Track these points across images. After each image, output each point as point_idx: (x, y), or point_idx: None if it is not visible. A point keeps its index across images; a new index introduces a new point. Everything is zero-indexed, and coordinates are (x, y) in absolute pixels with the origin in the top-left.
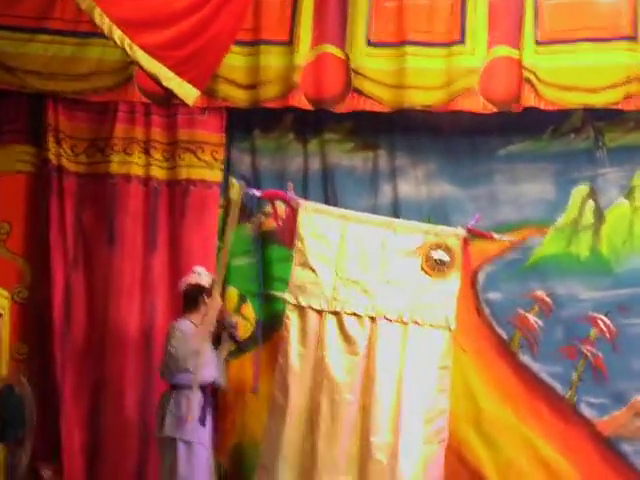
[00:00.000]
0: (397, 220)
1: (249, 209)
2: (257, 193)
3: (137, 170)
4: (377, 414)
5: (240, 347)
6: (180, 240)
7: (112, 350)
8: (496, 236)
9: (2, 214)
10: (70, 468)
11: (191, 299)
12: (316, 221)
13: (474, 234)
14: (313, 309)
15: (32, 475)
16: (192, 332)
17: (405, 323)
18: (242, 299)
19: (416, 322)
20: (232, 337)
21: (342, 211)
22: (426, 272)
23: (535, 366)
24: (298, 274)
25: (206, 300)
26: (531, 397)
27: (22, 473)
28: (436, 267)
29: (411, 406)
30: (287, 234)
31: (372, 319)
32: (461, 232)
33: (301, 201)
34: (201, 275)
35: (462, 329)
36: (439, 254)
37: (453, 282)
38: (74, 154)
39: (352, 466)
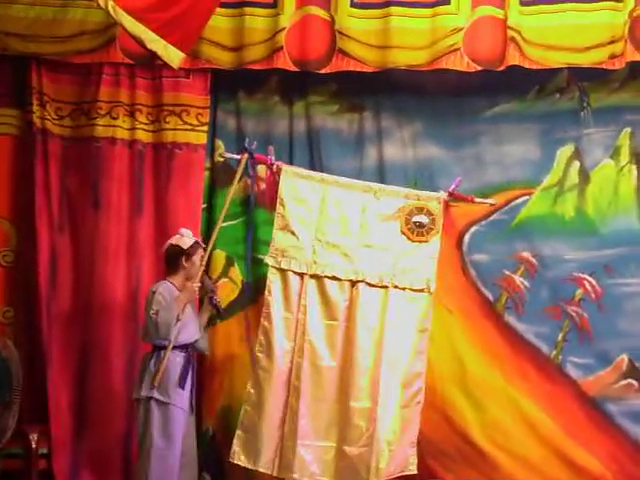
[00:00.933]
0: (377, 184)
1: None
2: (237, 157)
3: (122, 133)
4: (356, 379)
5: (219, 312)
6: (166, 203)
7: (98, 313)
8: (477, 200)
9: None
10: (58, 430)
11: (171, 261)
12: (297, 185)
13: (455, 198)
14: (294, 272)
15: (20, 438)
16: (173, 297)
17: (385, 287)
18: (229, 262)
19: (396, 286)
20: (211, 301)
21: (323, 175)
22: (406, 236)
23: (521, 327)
24: (279, 237)
25: (184, 264)
26: (517, 358)
27: (9, 435)
28: (416, 230)
29: (389, 370)
30: (268, 197)
31: (352, 283)
32: (442, 196)
33: (282, 165)
34: (183, 237)
35: (448, 290)
36: (419, 218)
37: (434, 245)
38: (59, 117)
39: (332, 430)
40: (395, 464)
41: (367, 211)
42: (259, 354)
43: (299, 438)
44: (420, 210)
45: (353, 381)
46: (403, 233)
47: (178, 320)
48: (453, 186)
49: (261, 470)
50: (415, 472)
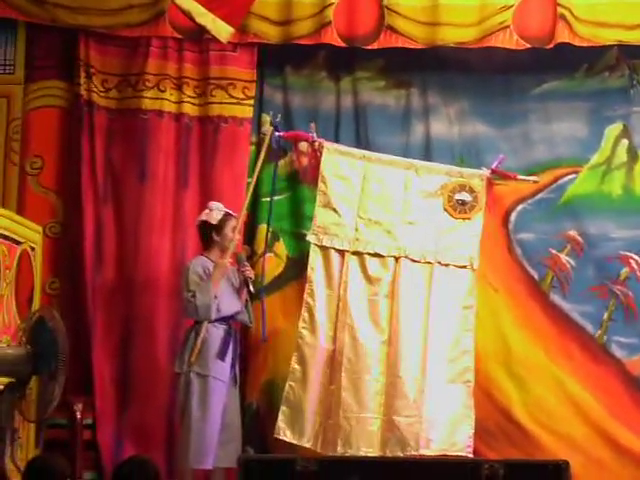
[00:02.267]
0: (419, 161)
1: (281, 147)
2: (279, 133)
3: (169, 106)
4: (403, 352)
5: (248, 286)
6: (211, 177)
7: (143, 286)
8: (520, 177)
9: (35, 149)
10: (102, 401)
11: (204, 236)
12: (339, 162)
13: (498, 175)
14: (336, 249)
15: (65, 408)
16: (208, 274)
17: (429, 263)
18: (274, 237)
19: (439, 262)
20: (242, 273)
21: (364, 152)
22: (449, 213)
23: (566, 306)
24: (321, 215)
25: (215, 238)
26: (562, 337)
27: (55, 406)
28: (458, 208)
29: (435, 345)
30: (311, 174)
31: (395, 259)
32: (485, 173)
33: (324, 142)
34: (212, 211)
35: (494, 269)
36: (462, 195)
37: (476, 223)
38: (105, 89)
39: (377, 402)
40: (449, 442)
41: (409, 188)
42: (303, 330)
43: (342, 411)
44: (462, 187)
45: (400, 355)
46: (446, 210)
47: (216, 298)
48: (496, 163)
49: (306, 446)
50: (471, 456)
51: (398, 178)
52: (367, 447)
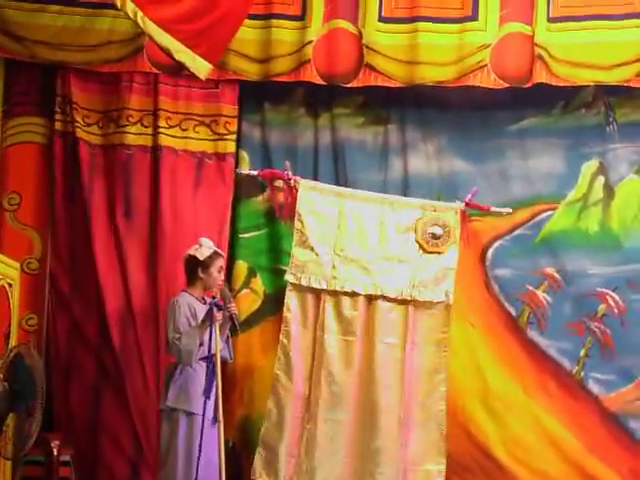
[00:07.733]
0: (394, 196)
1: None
2: (253, 172)
3: (152, 142)
4: (377, 398)
5: (234, 323)
6: (194, 212)
7: (119, 321)
8: (494, 209)
9: (13, 185)
10: (78, 439)
11: (189, 271)
12: (314, 199)
13: (472, 207)
14: (313, 289)
15: (42, 445)
16: (194, 313)
17: (404, 300)
18: (251, 273)
19: (415, 299)
20: (227, 310)
21: (339, 189)
22: (421, 247)
23: (543, 342)
24: (298, 254)
25: (201, 274)
26: (539, 373)
27: (32, 443)
28: (431, 241)
29: (412, 388)
30: (287, 211)
31: (370, 298)
32: (459, 206)
33: (299, 179)
34: (201, 247)
35: (471, 305)
36: (434, 229)
37: (451, 256)
38: (86, 124)
39: (355, 449)
40: None
41: (385, 223)
42: (278, 372)
43: (317, 453)
44: (435, 221)
45: (373, 400)
46: (419, 244)
47: (201, 345)
48: (469, 196)
49: None
50: None
51: (374, 214)
52: None
